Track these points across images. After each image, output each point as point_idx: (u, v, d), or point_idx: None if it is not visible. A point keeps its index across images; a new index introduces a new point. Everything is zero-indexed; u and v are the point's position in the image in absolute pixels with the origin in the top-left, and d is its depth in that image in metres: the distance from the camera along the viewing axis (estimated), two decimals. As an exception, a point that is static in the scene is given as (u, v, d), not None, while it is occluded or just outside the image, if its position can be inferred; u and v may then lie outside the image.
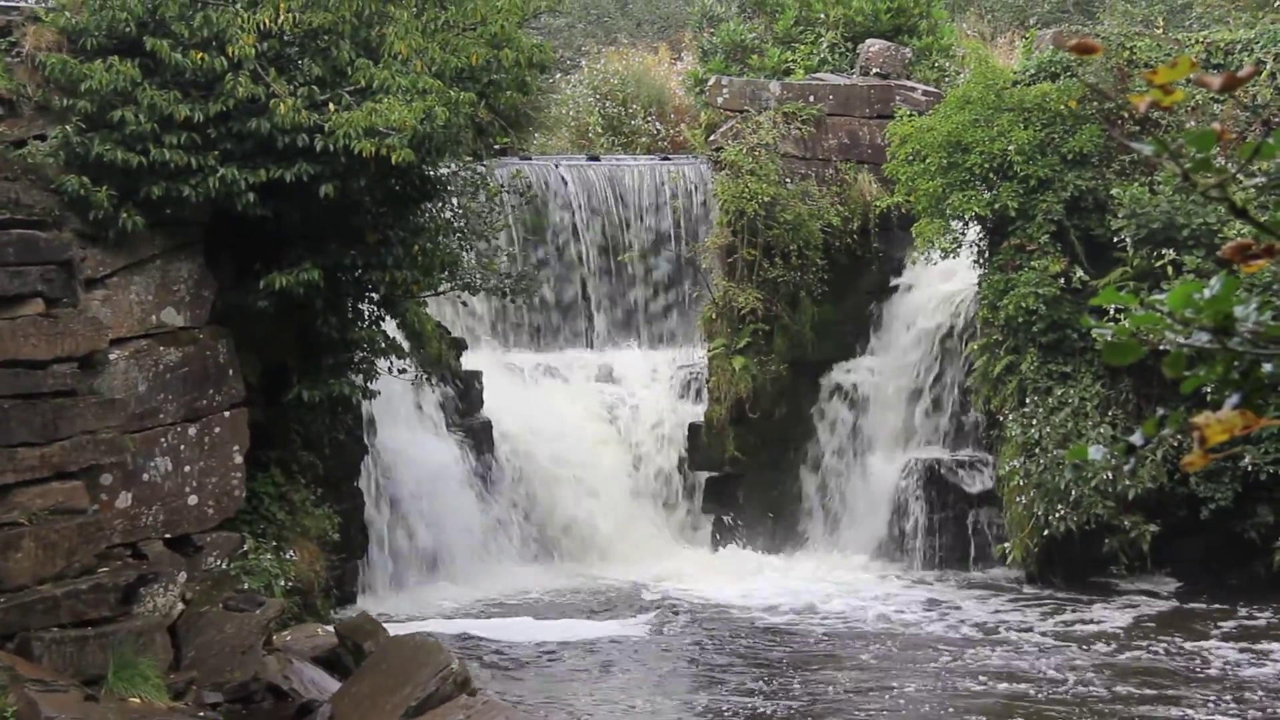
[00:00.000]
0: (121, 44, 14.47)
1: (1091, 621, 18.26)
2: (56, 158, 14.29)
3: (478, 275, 18.67)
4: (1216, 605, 18.85)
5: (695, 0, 30.94)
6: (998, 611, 18.88)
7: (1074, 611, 18.79)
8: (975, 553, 21.24)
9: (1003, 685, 15.56)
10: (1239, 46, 20.38)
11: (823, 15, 26.53)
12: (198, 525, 15.17)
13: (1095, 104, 19.80)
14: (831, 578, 20.78)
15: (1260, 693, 15.19)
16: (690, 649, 17.23)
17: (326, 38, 14.77)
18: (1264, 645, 17.07)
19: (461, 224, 17.95)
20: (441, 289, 18.20)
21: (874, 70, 24.20)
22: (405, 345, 17.66)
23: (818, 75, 24.67)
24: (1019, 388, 19.88)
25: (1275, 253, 2.89)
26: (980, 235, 20.65)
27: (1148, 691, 15.27)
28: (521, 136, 24.73)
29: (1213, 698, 15.02)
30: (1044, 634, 17.72)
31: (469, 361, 21.89)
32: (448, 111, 14.50)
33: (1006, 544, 20.05)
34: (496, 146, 21.94)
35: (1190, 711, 14.58)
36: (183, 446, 15.09)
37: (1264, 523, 19.07)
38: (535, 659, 16.70)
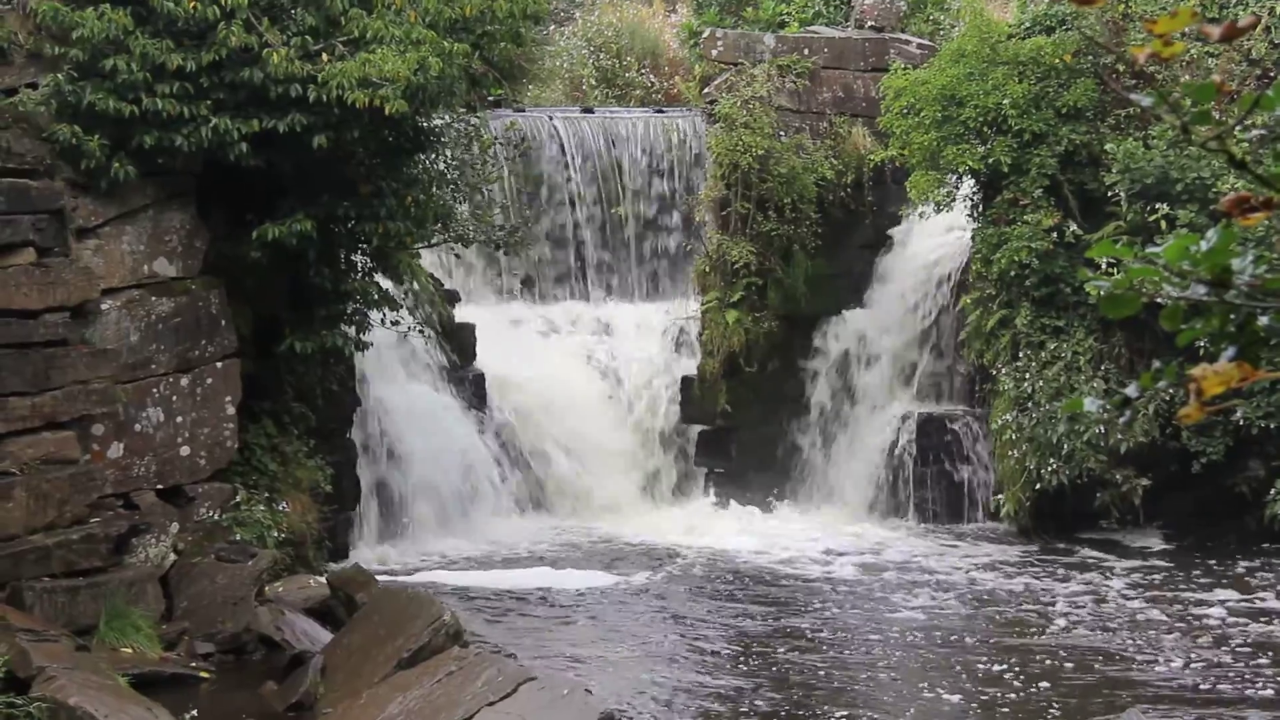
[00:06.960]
0: (113, -8, 14.36)
1: (1081, 574, 18.31)
2: (48, 106, 14.21)
3: (471, 227, 18.62)
4: (1207, 559, 18.91)
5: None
6: (987, 564, 18.92)
7: (1065, 565, 18.84)
8: (968, 506, 21.29)
9: (993, 635, 15.63)
10: (1234, 1, 20.28)
11: (818, -33, 26.39)
12: (190, 476, 15.17)
13: (1090, 58, 19.73)
14: (824, 530, 20.81)
15: (1246, 645, 15.25)
16: (682, 599, 17.28)
17: (319, -13, 14.67)
18: (1256, 598, 17.14)
19: (455, 176, 17.88)
20: (435, 241, 18.15)
21: (869, 23, 24.08)
22: (399, 297, 17.61)
23: (812, 28, 24.55)
24: (1012, 342, 19.88)
25: (1274, 205, 2.87)
26: (974, 189, 20.61)
27: (1138, 643, 15.34)
28: (515, 88, 24.61)
29: (1201, 651, 15.08)
30: (1034, 587, 17.76)
31: (462, 314, 21.85)
32: (441, 62, 14.42)
33: (999, 497, 20.10)
34: (490, 98, 21.85)
35: (1177, 664, 14.65)
36: (175, 397, 15.08)
37: (1255, 476, 19.11)
38: (528, 610, 16.74)
